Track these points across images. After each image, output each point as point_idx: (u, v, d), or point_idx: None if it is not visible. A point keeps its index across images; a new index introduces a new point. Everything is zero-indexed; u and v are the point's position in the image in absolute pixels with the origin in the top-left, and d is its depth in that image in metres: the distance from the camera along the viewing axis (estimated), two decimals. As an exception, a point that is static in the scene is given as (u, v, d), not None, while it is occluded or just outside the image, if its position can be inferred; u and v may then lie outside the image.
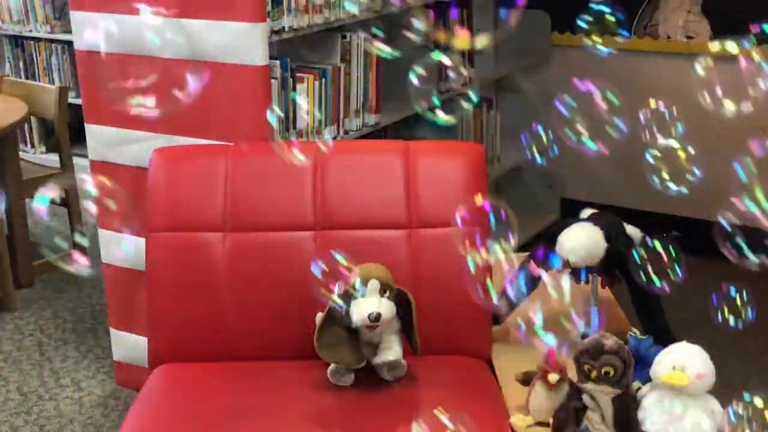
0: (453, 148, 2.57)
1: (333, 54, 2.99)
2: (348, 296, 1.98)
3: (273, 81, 2.67)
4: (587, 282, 2.18)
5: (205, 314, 2.22)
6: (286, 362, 2.17)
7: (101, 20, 2.74)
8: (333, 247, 2.23)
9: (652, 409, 1.77)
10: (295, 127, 2.83)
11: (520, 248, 1.93)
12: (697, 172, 1.54)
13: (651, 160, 1.53)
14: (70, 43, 4.13)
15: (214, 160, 2.31)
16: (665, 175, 1.52)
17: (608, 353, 1.80)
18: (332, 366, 2.05)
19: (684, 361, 1.73)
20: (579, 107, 1.55)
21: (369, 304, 1.98)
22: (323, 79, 2.90)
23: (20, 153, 3.99)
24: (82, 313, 3.67)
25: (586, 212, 2.22)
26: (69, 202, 4.09)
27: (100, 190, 1.73)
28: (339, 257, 1.79)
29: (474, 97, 1.73)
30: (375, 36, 1.68)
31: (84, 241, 3.69)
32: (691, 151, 1.54)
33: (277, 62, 2.71)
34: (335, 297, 1.89)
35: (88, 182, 1.71)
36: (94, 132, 2.89)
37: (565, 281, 1.67)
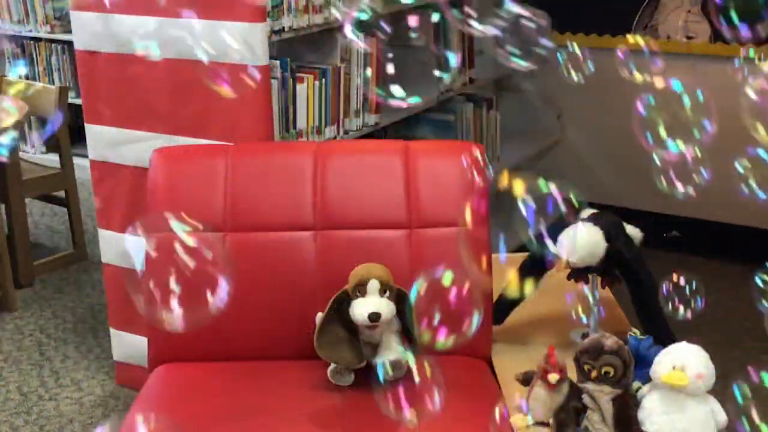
0: (453, 148, 2.57)
1: (333, 54, 2.99)
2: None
3: (273, 81, 2.68)
4: (587, 282, 2.18)
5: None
6: (286, 362, 2.17)
7: (101, 20, 2.74)
8: (333, 247, 2.23)
9: (652, 409, 1.77)
10: (295, 127, 2.83)
11: (520, 248, 1.93)
12: (702, 172, 1.54)
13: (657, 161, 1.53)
14: (70, 43, 4.13)
15: (214, 160, 2.31)
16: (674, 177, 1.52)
17: (608, 353, 1.80)
18: (332, 366, 2.05)
19: (684, 361, 1.73)
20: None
21: (369, 304, 1.98)
22: (323, 79, 2.90)
23: (20, 153, 3.99)
24: (82, 313, 3.67)
25: (586, 212, 2.22)
26: (69, 202, 4.10)
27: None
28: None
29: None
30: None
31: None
32: (694, 151, 1.54)
33: (277, 62, 2.71)
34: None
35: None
36: (94, 132, 2.89)
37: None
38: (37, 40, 4.78)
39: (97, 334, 3.48)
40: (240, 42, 2.54)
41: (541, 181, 1.51)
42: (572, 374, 1.87)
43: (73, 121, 3.97)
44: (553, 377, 1.86)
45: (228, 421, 1.96)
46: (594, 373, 1.81)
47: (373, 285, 1.99)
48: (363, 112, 3.10)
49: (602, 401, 1.80)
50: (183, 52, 2.62)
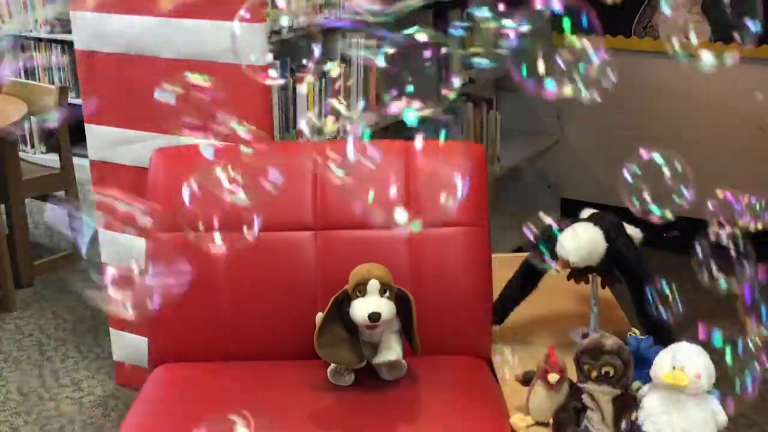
0: (453, 148, 2.57)
1: (333, 54, 2.99)
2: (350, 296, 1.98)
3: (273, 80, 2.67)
4: (587, 282, 2.18)
5: (205, 314, 2.22)
6: (286, 362, 2.17)
7: (101, 20, 2.74)
8: (333, 247, 2.23)
9: (652, 409, 1.77)
10: (295, 127, 2.83)
11: (519, 248, 1.93)
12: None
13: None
14: (70, 43, 4.13)
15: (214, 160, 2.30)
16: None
17: (608, 353, 1.80)
18: (332, 366, 2.05)
19: (684, 361, 1.73)
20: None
21: (369, 304, 1.98)
22: (323, 79, 2.90)
23: (20, 153, 3.99)
24: (82, 313, 3.67)
25: (586, 212, 2.22)
26: (69, 202, 4.09)
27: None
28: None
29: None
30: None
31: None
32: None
33: (277, 62, 2.71)
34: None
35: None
36: (94, 132, 2.89)
37: None
38: (38, 40, 4.77)
39: (97, 334, 3.48)
40: (240, 42, 2.53)
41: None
42: (572, 374, 1.87)
43: (73, 121, 3.96)
44: (553, 377, 1.86)
45: (228, 421, 1.96)
46: (594, 373, 1.81)
47: (373, 285, 1.99)
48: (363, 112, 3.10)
49: (602, 401, 1.80)
50: (183, 52, 2.62)
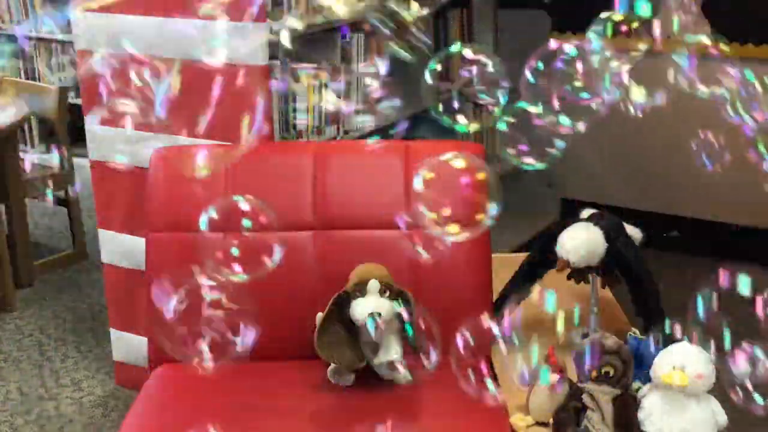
0: (453, 148, 2.56)
1: (333, 54, 2.99)
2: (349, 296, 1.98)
3: (273, 81, 2.68)
4: (587, 282, 2.18)
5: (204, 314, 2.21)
6: (286, 362, 2.17)
7: (101, 20, 2.75)
8: (333, 247, 2.23)
9: (652, 409, 1.77)
10: (294, 127, 2.83)
11: (519, 248, 1.93)
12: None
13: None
14: (70, 44, 4.13)
15: (214, 160, 2.30)
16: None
17: (608, 353, 1.80)
18: (332, 366, 2.05)
19: (684, 361, 1.73)
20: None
21: (369, 304, 1.98)
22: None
23: (20, 153, 3.99)
24: (82, 313, 3.67)
25: (586, 212, 2.22)
26: (69, 202, 4.09)
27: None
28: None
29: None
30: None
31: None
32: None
33: (277, 62, 2.71)
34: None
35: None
36: (94, 132, 2.89)
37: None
38: (38, 40, 4.77)
39: (97, 334, 3.48)
40: (240, 42, 2.54)
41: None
42: (572, 374, 1.87)
43: (73, 121, 3.97)
44: (553, 377, 1.86)
45: (228, 421, 1.96)
46: (594, 373, 1.81)
47: (373, 285, 1.99)
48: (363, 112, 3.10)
49: (602, 401, 1.80)
50: (183, 52, 2.62)
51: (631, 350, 1.85)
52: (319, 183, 2.27)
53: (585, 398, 1.82)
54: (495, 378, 2.16)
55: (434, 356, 2.03)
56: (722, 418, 1.75)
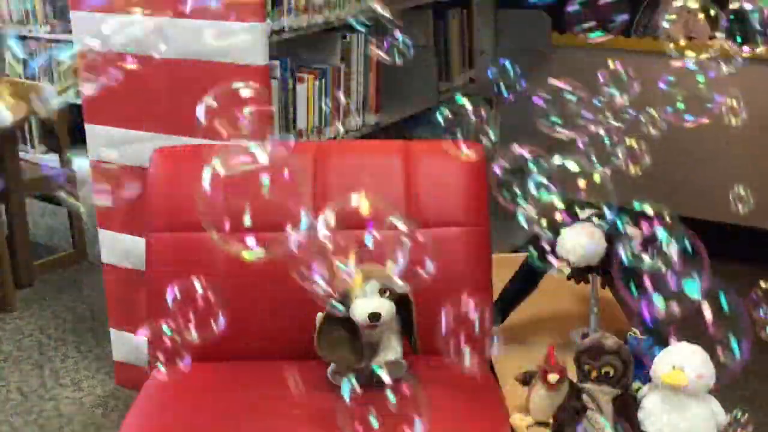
0: (453, 148, 2.56)
1: (333, 54, 2.99)
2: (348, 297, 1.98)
3: (273, 81, 2.68)
4: (587, 282, 2.18)
5: (205, 314, 2.21)
6: (286, 362, 2.17)
7: (101, 20, 2.74)
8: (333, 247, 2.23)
9: (652, 409, 1.77)
10: (295, 127, 2.83)
11: (519, 248, 1.93)
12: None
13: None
14: (70, 43, 4.13)
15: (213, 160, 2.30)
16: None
17: (608, 353, 1.80)
18: (332, 366, 2.05)
19: (684, 361, 1.73)
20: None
21: (369, 304, 1.98)
22: (323, 79, 2.90)
23: (20, 153, 3.99)
24: (82, 313, 3.67)
25: (586, 212, 2.22)
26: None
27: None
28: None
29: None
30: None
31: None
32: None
33: (277, 62, 2.71)
34: (334, 302, 1.89)
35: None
36: (94, 132, 2.89)
37: None
38: (37, 40, 4.77)
39: (97, 334, 3.48)
40: (240, 42, 2.54)
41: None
42: (572, 374, 1.87)
43: (73, 121, 3.96)
44: (553, 377, 1.86)
45: (228, 421, 1.96)
46: (594, 373, 1.81)
47: (373, 285, 1.99)
48: (363, 112, 3.10)
49: (602, 401, 1.80)
50: (183, 52, 2.62)
51: (631, 350, 1.85)
52: (319, 183, 2.27)
53: (585, 398, 1.82)
54: (495, 378, 2.16)
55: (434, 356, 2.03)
56: (722, 418, 1.75)
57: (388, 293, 2.00)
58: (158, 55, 2.67)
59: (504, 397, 2.04)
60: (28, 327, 3.58)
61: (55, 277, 3.98)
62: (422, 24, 3.60)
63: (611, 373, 1.80)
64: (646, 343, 1.91)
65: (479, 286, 2.22)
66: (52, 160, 4.24)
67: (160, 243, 2.26)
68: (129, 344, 3.02)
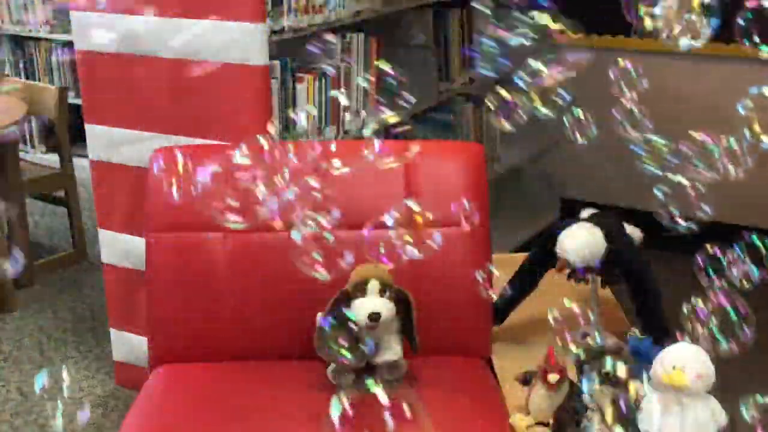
0: (453, 148, 2.57)
1: (333, 54, 2.99)
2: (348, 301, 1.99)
3: (273, 81, 2.67)
4: (587, 282, 2.18)
5: (205, 314, 2.21)
6: (286, 362, 2.17)
7: (101, 20, 2.75)
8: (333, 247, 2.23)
9: (652, 409, 1.77)
10: (294, 128, 2.83)
11: (519, 248, 1.93)
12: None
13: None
14: (70, 43, 4.13)
15: (214, 160, 2.30)
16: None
17: (608, 353, 1.80)
18: (332, 366, 2.05)
19: (684, 361, 1.73)
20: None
21: (369, 304, 1.98)
22: (323, 79, 2.90)
23: (20, 153, 3.99)
24: (82, 313, 3.67)
25: (586, 212, 2.22)
26: (69, 202, 4.10)
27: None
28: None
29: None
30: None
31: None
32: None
33: (277, 62, 2.71)
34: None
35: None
36: (94, 132, 2.89)
37: None
38: (37, 40, 4.78)
39: (97, 334, 3.48)
40: (240, 42, 2.54)
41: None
42: (572, 374, 1.87)
43: (73, 121, 3.97)
44: (553, 377, 1.86)
45: (228, 421, 1.96)
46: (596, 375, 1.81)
47: (373, 285, 1.99)
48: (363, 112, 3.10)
49: (602, 401, 1.80)
50: (183, 52, 2.62)
51: (631, 350, 1.85)
52: (319, 183, 2.26)
53: (585, 398, 1.82)
54: (495, 378, 2.16)
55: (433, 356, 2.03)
56: (722, 418, 1.75)
57: (387, 293, 2.00)
58: (158, 55, 2.68)
59: (504, 397, 2.04)
60: (28, 327, 3.58)
61: (55, 277, 3.98)
62: (422, 24, 3.60)
63: (611, 373, 1.79)
64: (646, 343, 1.91)
65: (479, 286, 2.22)
66: (52, 160, 4.24)
67: (160, 243, 2.26)
68: (129, 344, 3.02)
